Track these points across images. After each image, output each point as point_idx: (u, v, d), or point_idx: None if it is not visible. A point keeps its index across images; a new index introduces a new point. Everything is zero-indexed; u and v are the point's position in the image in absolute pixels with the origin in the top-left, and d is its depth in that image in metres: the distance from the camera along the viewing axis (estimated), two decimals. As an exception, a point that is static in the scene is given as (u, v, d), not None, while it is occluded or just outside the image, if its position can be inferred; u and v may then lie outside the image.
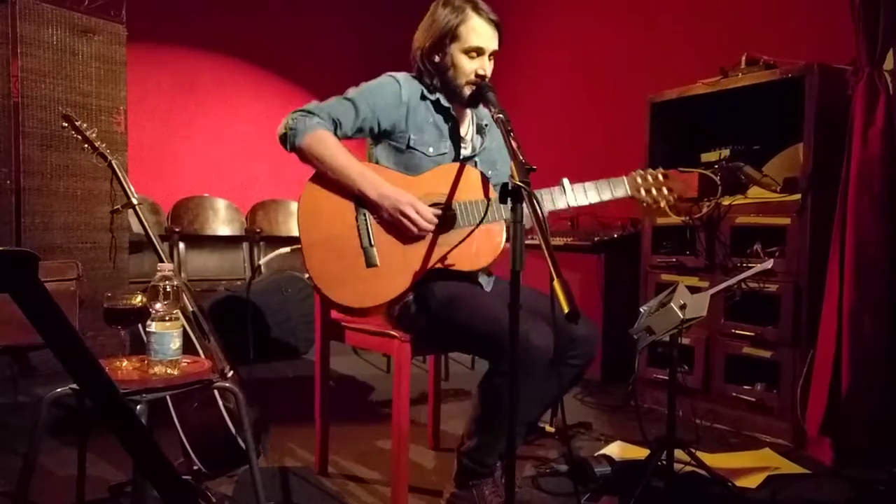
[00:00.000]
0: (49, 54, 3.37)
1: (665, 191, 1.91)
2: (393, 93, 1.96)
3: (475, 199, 1.88)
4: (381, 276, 1.84)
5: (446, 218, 1.87)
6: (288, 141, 1.89)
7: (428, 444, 2.55)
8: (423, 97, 1.98)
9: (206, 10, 5.06)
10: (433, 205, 1.87)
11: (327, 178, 1.88)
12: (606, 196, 1.90)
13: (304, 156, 1.89)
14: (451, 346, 2.11)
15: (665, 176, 1.93)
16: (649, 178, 1.93)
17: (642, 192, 1.91)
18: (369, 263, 1.84)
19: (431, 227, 1.85)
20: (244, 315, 3.83)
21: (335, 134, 1.91)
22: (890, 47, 2.37)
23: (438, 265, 1.86)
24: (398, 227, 1.85)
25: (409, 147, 1.96)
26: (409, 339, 1.88)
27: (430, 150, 1.97)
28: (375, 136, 2.00)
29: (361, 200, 1.88)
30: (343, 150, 1.89)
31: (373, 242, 1.85)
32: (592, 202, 1.90)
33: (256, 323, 3.87)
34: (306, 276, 1.89)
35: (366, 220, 1.87)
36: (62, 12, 3.41)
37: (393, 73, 2.01)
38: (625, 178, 1.92)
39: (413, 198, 1.84)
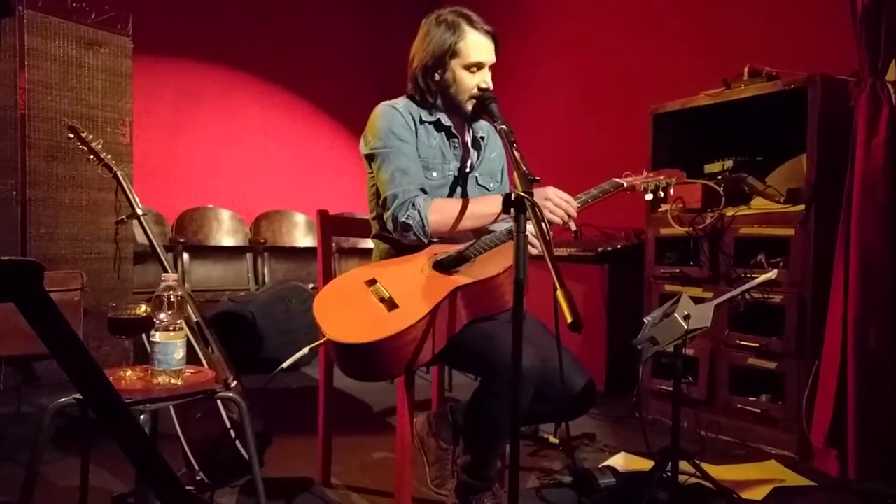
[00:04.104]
0: (56, 66, 3.39)
1: (661, 178, 2.00)
2: (404, 124, 1.93)
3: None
4: (399, 313, 1.74)
5: (461, 258, 1.84)
6: (419, 238, 1.85)
7: (431, 455, 2.53)
8: (423, 121, 1.96)
9: (212, 23, 5.11)
10: (444, 255, 1.84)
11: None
12: (605, 190, 1.97)
13: (438, 235, 1.87)
14: (450, 363, 2.10)
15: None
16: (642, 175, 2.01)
17: (639, 182, 1.99)
18: (391, 308, 1.74)
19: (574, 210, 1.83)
20: (247, 326, 3.83)
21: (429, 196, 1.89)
22: (892, 58, 2.37)
23: (458, 285, 1.79)
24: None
25: None
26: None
27: (434, 174, 1.94)
28: None
29: (374, 278, 1.83)
30: (454, 204, 1.87)
31: (390, 295, 1.77)
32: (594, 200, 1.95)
33: (260, 334, 3.87)
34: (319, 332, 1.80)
35: (378, 285, 1.81)
36: (69, 25, 3.44)
37: (389, 103, 1.97)
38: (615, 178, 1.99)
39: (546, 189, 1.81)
